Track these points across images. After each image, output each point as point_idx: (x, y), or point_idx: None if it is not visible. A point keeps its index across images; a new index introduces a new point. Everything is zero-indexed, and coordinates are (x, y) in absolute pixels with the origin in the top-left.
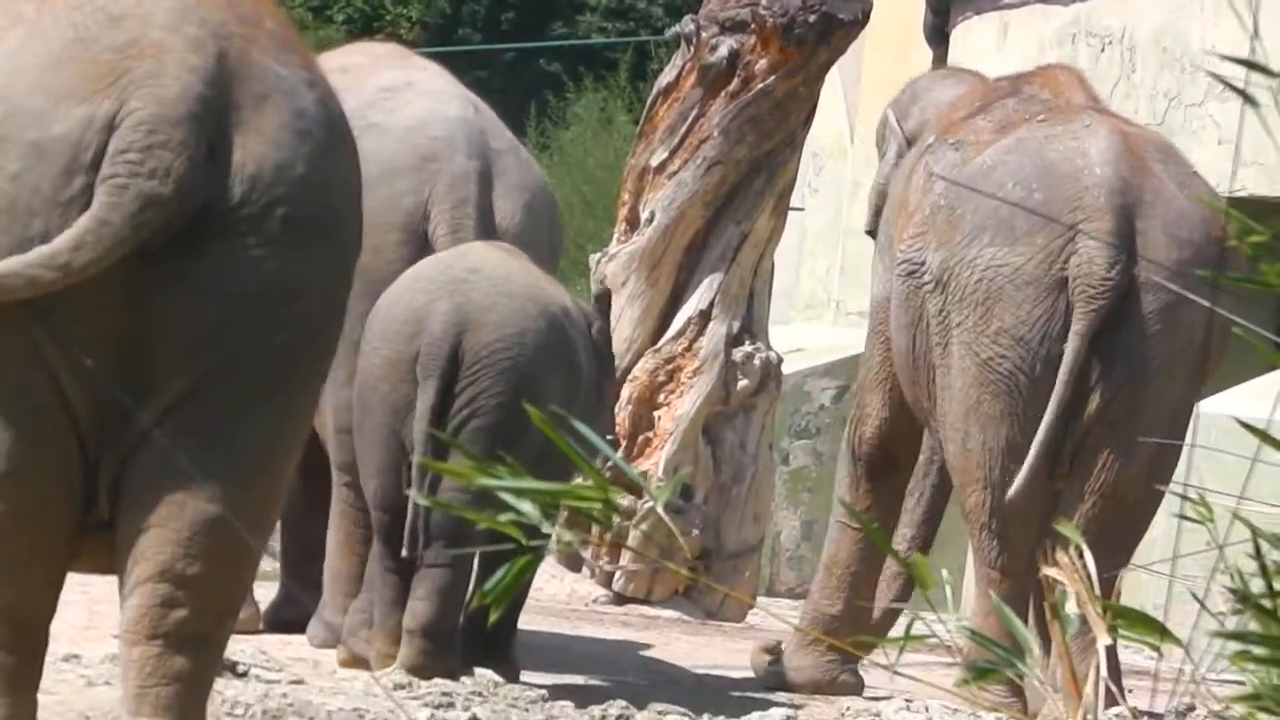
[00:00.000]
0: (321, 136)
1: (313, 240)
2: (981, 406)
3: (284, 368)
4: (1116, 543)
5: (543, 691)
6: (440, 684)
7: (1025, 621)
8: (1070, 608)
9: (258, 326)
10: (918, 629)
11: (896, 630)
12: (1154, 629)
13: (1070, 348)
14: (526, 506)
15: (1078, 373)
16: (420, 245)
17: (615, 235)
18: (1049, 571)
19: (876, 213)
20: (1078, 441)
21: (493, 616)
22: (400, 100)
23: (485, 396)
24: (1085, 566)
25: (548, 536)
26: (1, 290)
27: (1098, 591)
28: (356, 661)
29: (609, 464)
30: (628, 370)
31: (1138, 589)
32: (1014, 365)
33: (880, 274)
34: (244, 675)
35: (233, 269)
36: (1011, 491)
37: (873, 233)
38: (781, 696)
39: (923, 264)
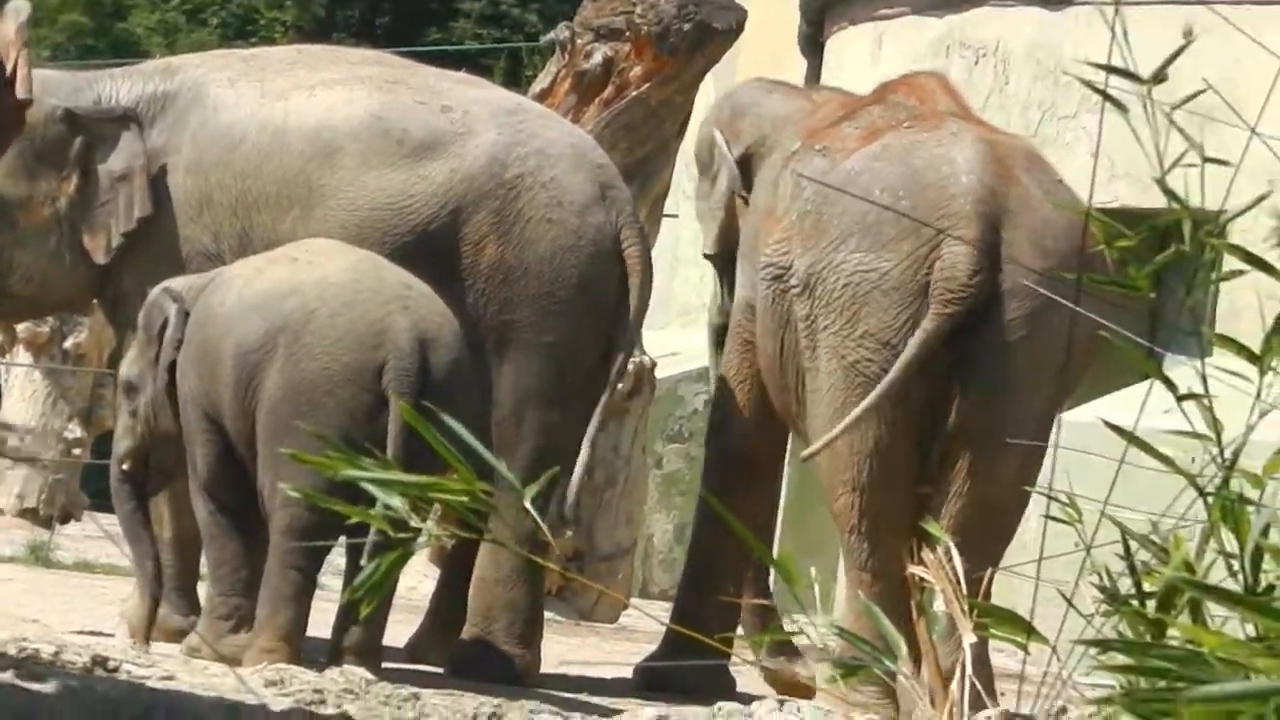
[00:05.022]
0: None
1: None
2: (847, 409)
3: None
4: (984, 546)
5: (414, 690)
6: (312, 680)
7: (900, 624)
8: (937, 606)
9: None
10: (786, 627)
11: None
12: (1021, 628)
13: (914, 340)
14: (395, 500)
15: (914, 366)
16: None
17: None
18: (916, 570)
19: (724, 235)
20: (944, 447)
21: (363, 611)
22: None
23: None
24: (952, 565)
25: (418, 532)
26: None
27: (964, 590)
28: (228, 662)
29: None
30: None
31: (1009, 593)
32: (880, 369)
33: (742, 280)
34: (114, 671)
35: None
36: (808, 451)
37: (714, 257)
38: (654, 696)
39: (789, 268)
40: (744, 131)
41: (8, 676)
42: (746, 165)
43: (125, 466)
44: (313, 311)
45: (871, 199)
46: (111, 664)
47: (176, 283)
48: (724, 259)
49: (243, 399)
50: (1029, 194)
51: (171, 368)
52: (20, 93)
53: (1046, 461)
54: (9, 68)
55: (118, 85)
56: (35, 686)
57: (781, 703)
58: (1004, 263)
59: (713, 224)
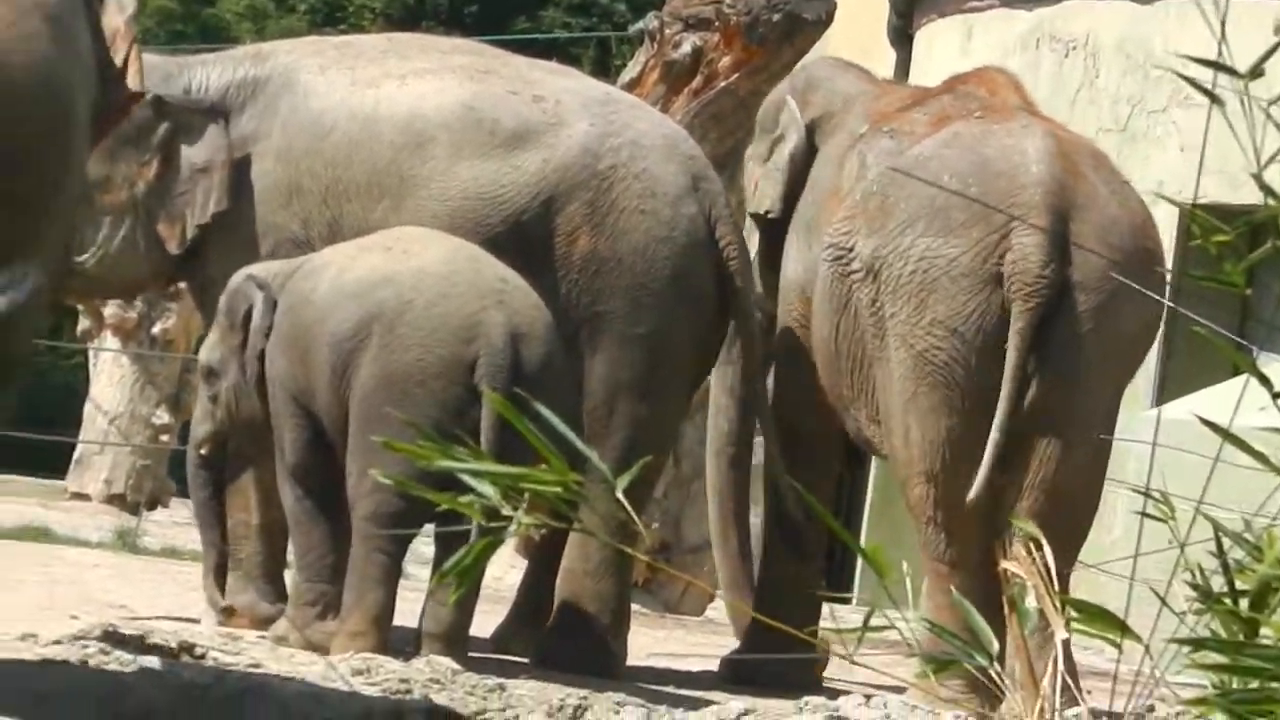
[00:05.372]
0: None
1: None
2: (919, 399)
3: None
4: (1062, 537)
5: (500, 680)
6: (398, 670)
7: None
8: (1029, 602)
9: None
10: (877, 621)
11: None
12: (1114, 625)
13: (1012, 346)
14: (487, 489)
15: (1022, 370)
16: None
17: None
18: (1007, 565)
19: (786, 196)
20: (1015, 437)
21: (451, 597)
22: None
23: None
24: (1043, 561)
25: (509, 520)
26: None
27: (1056, 586)
28: (315, 649)
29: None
30: None
31: (1096, 591)
32: (949, 357)
33: (794, 256)
34: (201, 657)
35: None
36: (972, 493)
37: (766, 215)
38: (740, 689)
39: (851, 249)
40: (813, 104)
41: (95, 662)
42: (809, 137)
43: (203, 451)
44: (408, 302)
45: (940, 184)
46: (198, 650)
47: (259, 269)
48: (774, 223)
49: (337, 387)
50: (1096, 190)
51: (260, 356)
52: (134, 85)
53: (1142, 458)
54: (120, 60)
55: (209, 71)
56: (122, 672)
57: (868, 697)
58: (1072, 256)
59: (773, 185)
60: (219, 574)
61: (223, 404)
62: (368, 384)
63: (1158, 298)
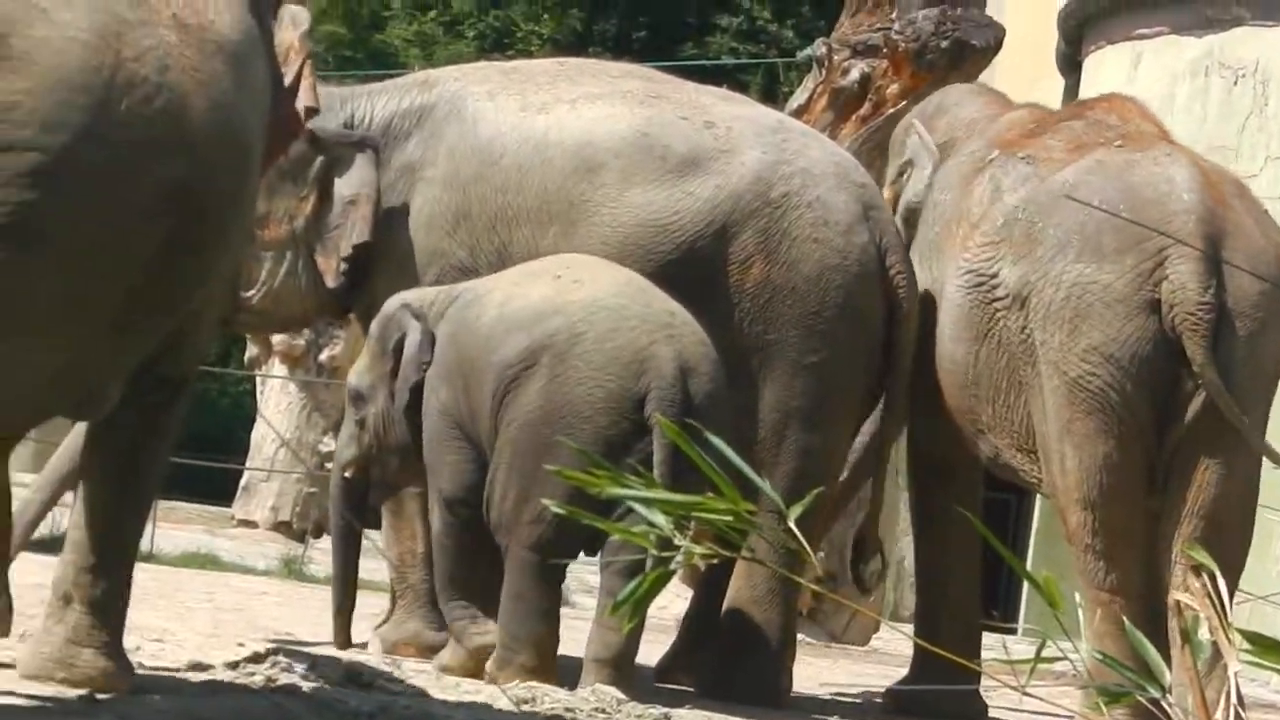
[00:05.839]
0: None
1: None
2: (1074, 425)
3: None
4: (1223, 565)
5: (665, 710)
6: (563, 699)
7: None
8: (1202, 633)
9: None
10: (1049, 652)
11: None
12: None
13: (1206, 382)
14: (659, 518)
15: (1227, 394)
16: None
17: None
18: (1180, 596)
19: (910, 225)
20: (1169, 459)
21: (625, 627)
22: None
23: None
24: (1215, 591)
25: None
26: None
27: (1230, 618)
28: (478, 675)
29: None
30: None
31: (1262, 621)
32: (1104, 383)
33: (917, 280)
34: (367, 685)
35: None
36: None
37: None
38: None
39: (995, 276)
40: (938, 129)
41: (262, 689)
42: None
43: (347, 474)
44: (580, 334)
45: (1087, 213)
46: (364, 678)
47: (414, 296)
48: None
49: (496, 412)
50: (1243, 219)
51: (414, 386)
52: (307, 101)
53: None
54: (291, 76)
55: (374, 102)
56: (287, 700)
57: None
58: (1226, 282)
59: (905, 212)
60: (345, 611)
61: (370, 429)
62: (533, 413)
63: None
